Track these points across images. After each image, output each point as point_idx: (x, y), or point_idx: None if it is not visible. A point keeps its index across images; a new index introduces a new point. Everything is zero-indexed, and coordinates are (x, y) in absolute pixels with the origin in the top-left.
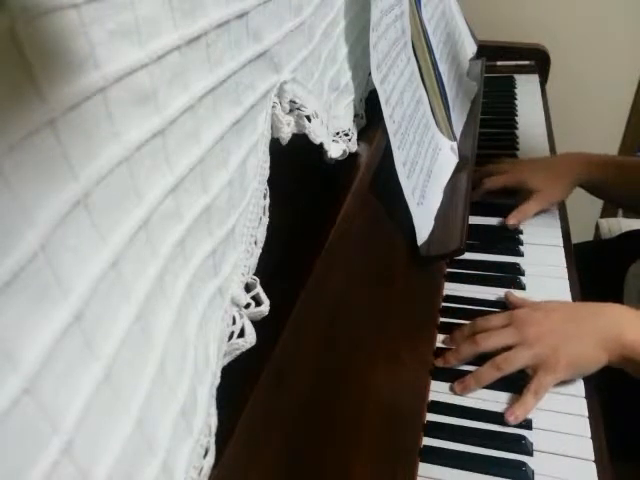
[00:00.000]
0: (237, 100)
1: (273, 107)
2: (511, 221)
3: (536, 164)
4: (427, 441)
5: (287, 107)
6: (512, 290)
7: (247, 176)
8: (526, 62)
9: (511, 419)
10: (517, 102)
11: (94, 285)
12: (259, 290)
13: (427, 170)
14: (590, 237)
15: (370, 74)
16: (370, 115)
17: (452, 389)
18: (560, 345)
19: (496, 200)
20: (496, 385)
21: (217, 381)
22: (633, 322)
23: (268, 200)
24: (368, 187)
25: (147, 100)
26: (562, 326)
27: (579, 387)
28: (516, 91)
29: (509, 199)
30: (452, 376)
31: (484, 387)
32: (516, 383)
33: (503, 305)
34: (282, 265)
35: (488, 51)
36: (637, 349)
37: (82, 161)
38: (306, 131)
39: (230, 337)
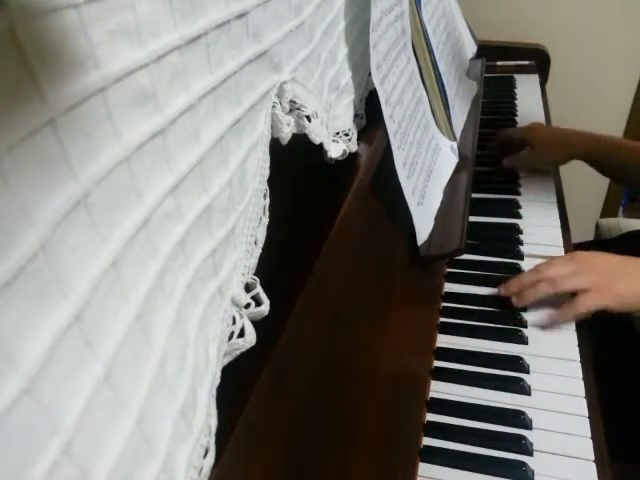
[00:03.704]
0: (237, 100)
1: (273, 107)
2: (505, 163)
3: (548, 127)
4: (427, 441)
5: (287, 107)
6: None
7: (247, 176)
8: (526, 62)
9: (547, 322)
10: (517, 102)
11: (94, 285)
12: (259, 290)
13: (427, 170)
14: (590, 237)
15: (370, 74)
16: (370, 115)
17: (513, 301)
18: (612, 280)
19: (496, 199)
20: (496, 385)
21: (217, 381)
22: None
23: (268, 200)
24: (368, 187)
25: (147, 100)
26: (614, 266)
27: (579, 387)
28: (516, 91)
29: (508, 198)
30: (452, 376)
31: (484, 387)
32: (517, 383)
33: (504, 305)
34: (282, 265)
35: (488, 51)
36: None
37: (82, 161)
38: (306, 131)
39: (230, 337)
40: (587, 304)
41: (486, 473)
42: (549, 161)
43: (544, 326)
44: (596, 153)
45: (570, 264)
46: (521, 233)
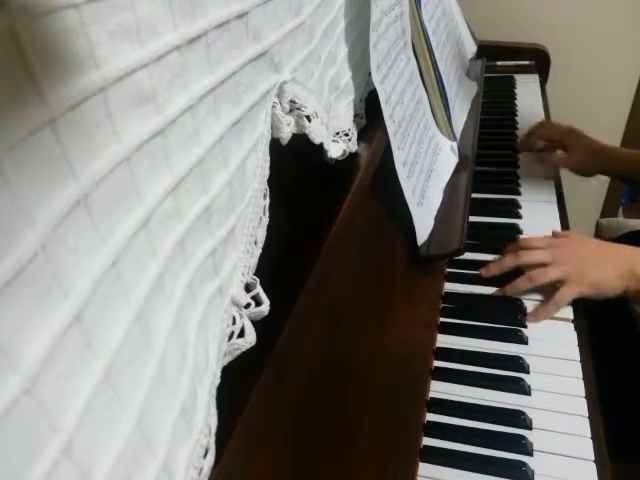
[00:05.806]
0: (237, 100)
1: (273, 107)
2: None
3: (584, 135)
4: (427, 441)
5: (287, 107)
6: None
7: (247, 176)
8: (526, 62)
9: (532, 319)
10: (517, 102)
11: (94, 285)
12: (259, 290)
13: (427, 170)
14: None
15: (370, 74)
16: (370, 115)
17: (495, 291)
18: (587, 268)
19: (496, 199)
20: (496, 385)
21: (217, 381)
22: None
23: (268, 200)
24: (368, 187)
25: (147, 100)
26: (591, 253)
27: (579, 387)
28: (516, 91)
29: (508, 198)
30: (452, 376)
31: (484, 387)
32: (517, 383)
33: (503, 304)
34: (282, 265)
35: (488, 51)
36: None
37: (82, 161)
38: (306, 131)
39: (230, 337)
40: (565, 297)
41: (486, 473)
42: (579, 169)
43: (535, 320)
44: (622, 171)
45: (548, 252)
46: (521, 233)
